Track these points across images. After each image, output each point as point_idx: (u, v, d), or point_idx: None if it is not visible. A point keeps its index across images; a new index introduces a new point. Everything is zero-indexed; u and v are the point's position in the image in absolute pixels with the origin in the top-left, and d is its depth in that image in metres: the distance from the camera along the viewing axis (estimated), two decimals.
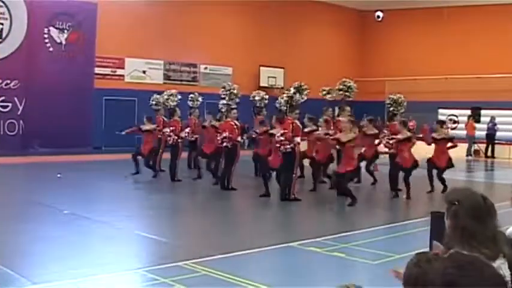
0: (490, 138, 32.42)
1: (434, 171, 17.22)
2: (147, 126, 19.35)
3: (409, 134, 16.37)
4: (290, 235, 11.46)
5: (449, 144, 17.47)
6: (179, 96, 27.86)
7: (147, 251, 10.10)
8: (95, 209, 13.43)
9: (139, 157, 18.69)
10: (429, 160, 17.51)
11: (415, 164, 16.10)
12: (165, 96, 27.69)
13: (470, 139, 32.34)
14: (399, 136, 16.25)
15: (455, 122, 35.53)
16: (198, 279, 8.02)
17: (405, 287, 2.77)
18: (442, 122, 18.18)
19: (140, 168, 18.46)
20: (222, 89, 30.00)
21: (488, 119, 33.13)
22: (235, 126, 16.72)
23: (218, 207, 14.68)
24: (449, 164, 17.33)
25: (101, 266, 8.81)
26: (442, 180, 17.00)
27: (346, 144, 14.50)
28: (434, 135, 17.71)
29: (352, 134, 14.67)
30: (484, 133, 32.83)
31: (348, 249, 9.90)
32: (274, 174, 15.87)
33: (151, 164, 18.90)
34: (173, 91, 28.32)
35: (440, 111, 34.92)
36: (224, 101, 28.76)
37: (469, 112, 33.75)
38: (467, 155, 31.85)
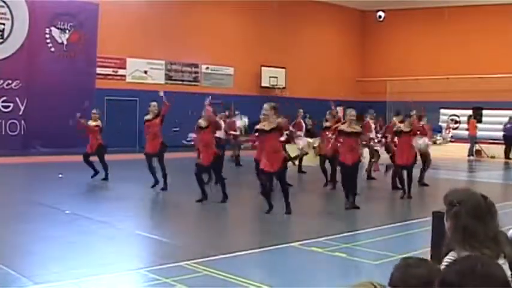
0: (507, 139, 32.10)
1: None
2: (94, 122, 18.38)
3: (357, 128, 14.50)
4: (291, 235, 11.46)
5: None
6: None
7: (149, 251, 10.10)
8: (96, 209, 13.43)
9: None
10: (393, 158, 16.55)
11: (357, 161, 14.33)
12: None
13: (472, 139, 32.32)
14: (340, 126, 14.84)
15: (456, 122, 35.53)
16: (200, 279, 8.02)
17: None
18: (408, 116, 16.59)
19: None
20: None
21: (489, 119, 33.15)
22: None
23: (220, 207, 14.67)
24: (415, 161, 16.27)
25: (102, 266, 8.81)
26: (410, 181, 16.09)
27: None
28: (400, 127, 16.40)
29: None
30: (485, 133, 32.80)
31: (349, 249, 9.90)
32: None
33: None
34: None
35: (442, 111, 34.95)
36: None
37: (470, 112, 33.75)
38: (468, 155, 31.82)
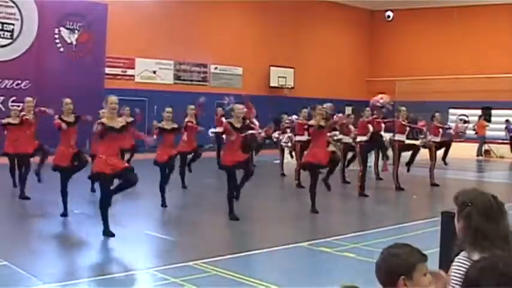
0: None
1: None
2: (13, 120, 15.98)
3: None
4: (300, 235, 11.46)
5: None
6: None
7: (158, 251, 10.12)
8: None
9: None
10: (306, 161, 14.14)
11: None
12: None
13: (482, 139, 32.25)
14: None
15: (465, 121, 35.47)
16: (209, 279, 8.03)
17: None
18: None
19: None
20: None
21: (498, 119, 33.10)
22: None
23: (227, 207, 14.67)
24: (333, 163, 14.12)
25: (111, 266, 8.85)
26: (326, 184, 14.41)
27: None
28: (311, 122, 14.03)
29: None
30: (494, 133, 32.76)
31: (358, 250, 9.90)
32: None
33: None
34: None
35: (451, 111, 34.88)
36: None
37: (479, 112, 33.70)
38: (477, 155, 31.75)
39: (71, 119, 13.04)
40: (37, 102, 14.62)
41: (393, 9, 29.71)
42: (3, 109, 26.10)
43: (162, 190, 14.21)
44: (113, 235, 10.54)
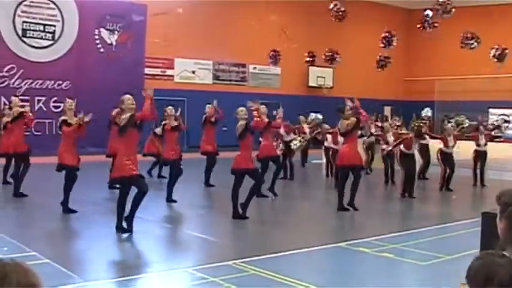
0: None
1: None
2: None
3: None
4: (339, 235, 11.44)
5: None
6: None
7: (197, 250, 10.16)
8: (145, 208, 13.54)
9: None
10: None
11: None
12: None
13: None
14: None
15: (506, 121, 35.00)
16: (247, 278, 8.05)
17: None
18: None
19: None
20: None
21: None
22: None
23: (267, 207, 14.70)
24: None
25: (150, 265, 8.93)
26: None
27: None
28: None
29: None
30: None
31: (396, 250, 9.85)
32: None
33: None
34: None
35: (491, 110, 34.45)
36: None
37: None
38: None
39: (73, 121, 13.45)
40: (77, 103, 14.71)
41: (432, 8, 29.47)
42: (45, 109, 26.49)
43: (169, 186, 14.63)
44: (125, 232, 10.73)
